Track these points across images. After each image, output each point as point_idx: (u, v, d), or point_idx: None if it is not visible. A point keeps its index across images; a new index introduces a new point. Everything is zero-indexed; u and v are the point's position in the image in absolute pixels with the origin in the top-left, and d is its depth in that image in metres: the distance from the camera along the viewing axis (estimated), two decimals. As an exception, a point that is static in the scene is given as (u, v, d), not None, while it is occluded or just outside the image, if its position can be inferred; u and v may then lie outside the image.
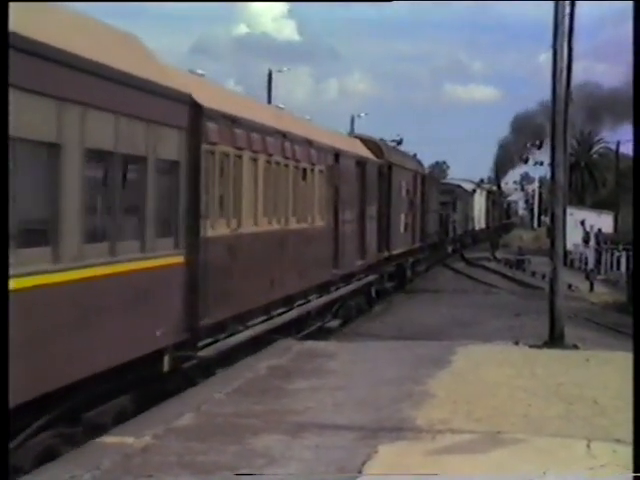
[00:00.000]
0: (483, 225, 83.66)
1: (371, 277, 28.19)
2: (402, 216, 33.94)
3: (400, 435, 10.02)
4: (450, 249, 59.98)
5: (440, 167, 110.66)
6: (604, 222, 59.16)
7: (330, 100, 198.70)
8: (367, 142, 29.31)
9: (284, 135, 17.80)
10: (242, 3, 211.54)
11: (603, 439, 9.86)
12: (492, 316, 27.70)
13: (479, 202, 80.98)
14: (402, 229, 33.99)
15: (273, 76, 54.73)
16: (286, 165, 18.10)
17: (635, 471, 8.12)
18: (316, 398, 12.02)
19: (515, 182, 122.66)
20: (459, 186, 69.02)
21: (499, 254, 59.84)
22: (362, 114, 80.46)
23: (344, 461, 9.00)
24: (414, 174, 37.27)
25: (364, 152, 27.60)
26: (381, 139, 34.46)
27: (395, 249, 31.85)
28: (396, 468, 8.86)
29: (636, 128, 8.53)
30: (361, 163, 26.15)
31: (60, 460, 9.07)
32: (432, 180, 47.36)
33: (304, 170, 19.60)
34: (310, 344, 17.55)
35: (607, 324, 27.21)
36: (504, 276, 45.32)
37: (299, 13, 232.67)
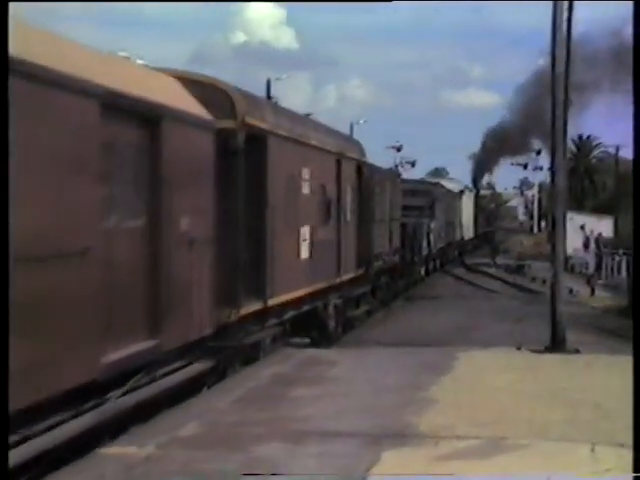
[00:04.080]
0: (472, 234, 73.48)
1: (198, 367, 13.12)
2: (305, 231, 18.31)
3: (404, 441, 10.00)
4: (422, 271, 44.05)
5: (440, 173, 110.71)
6: (604, 227, 59.24)
7: (329, 107, 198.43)
8: (195, 84, 13.94)
9: None
10: (239, 11, 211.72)
11: (607, 443, 9.83)
12: (493, 321, 27.71)
13: (467, 206, 69.59)
14: (305, 253, 18.30)
15: (272, 84, 54.79)
16: None
17: (635, 471, 8.11)
18: (319, 405, 12.00)
19: (515, 187, 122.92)
20: (438, 184, 54.07)
21: (499, 260, 59.87)
22: (361, 121, 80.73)
23: (348, 468, 8.99)
24: (336, 159, 21.27)
25: (176, 100, 12.73)
26: (251, 93, 16.60)
27: (284, 292, 16.65)
28: (401, 473, 8.86)
29: (636, 127, 8.51)
30: (144, 119, 11.34)
31: (62, 470, 9.04)
32: (384, 174, 30.91)
33: None
34: (312, 352, 17.53)
35: (608, 328, 27.20)
36: (505, 281, 45.36)
37: (296, 20, 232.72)
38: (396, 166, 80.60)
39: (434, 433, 10.33)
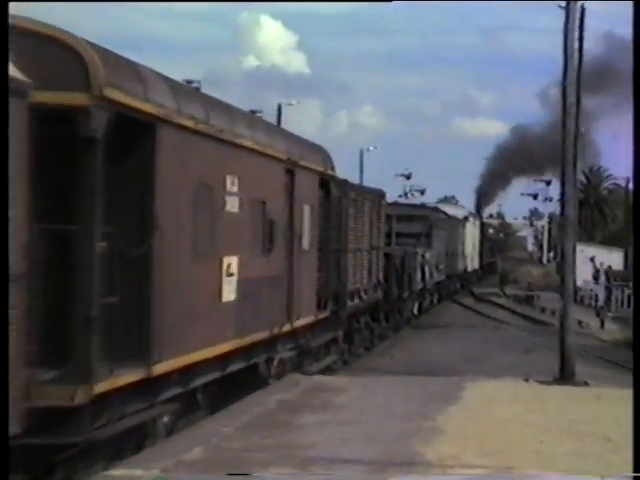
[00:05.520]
0: (476, 265, 67.64)
1: None
2: (231, 263, 13.24)
3: (410, 469, 9.93)
4: (415, 308, 38.00)
5: (449, 202, 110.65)
6: (614, 259, 58.97)
7: (340, 133, 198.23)
8: (21, 34, 8.83)
9: None
10: (250, 34, 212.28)
11: (617, 476, 9.74)
12: (501, 352, 27.58)
13: (472, 234, 63.55)
14: (231, 294, 13.25)
15: (283, 109, 55.00)
16: None
17: (635, 471, 8.02)
18: (325, 432, 11.92)
19: (524, 217, 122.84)
20: (437, 209, 47.75)
21: (508, 290, 59.69)
22: (371, 148, 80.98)
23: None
24: (286, 168, 16.43)
25: None
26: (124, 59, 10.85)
27: (187, 351, 11.66)
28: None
29: (636, 130, 8.50)
30: None
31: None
32: (362, 192, 25.49)
33: None
34: (319, 379, 17.45)
35: (618, 361, 27.03)
36: (514, 312, 45.20)
37: (308, 45, 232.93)
38: (405, 194, 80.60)
39: (441, 462, 10.25)
